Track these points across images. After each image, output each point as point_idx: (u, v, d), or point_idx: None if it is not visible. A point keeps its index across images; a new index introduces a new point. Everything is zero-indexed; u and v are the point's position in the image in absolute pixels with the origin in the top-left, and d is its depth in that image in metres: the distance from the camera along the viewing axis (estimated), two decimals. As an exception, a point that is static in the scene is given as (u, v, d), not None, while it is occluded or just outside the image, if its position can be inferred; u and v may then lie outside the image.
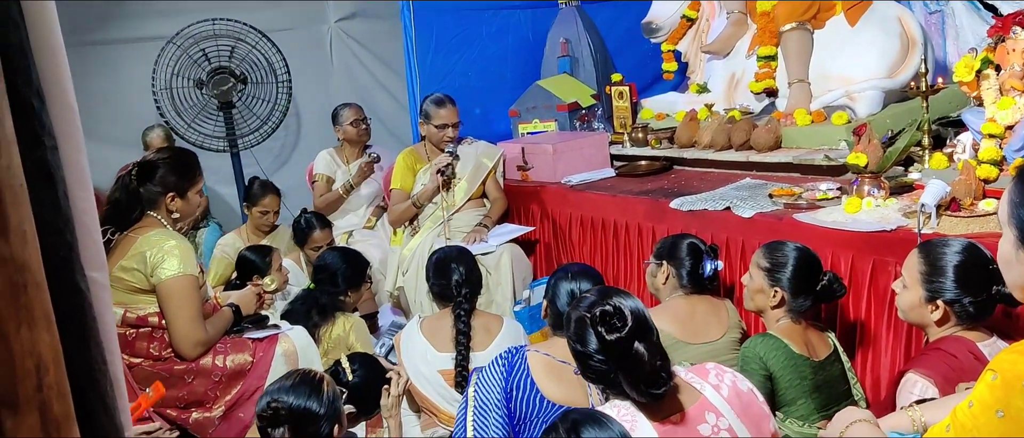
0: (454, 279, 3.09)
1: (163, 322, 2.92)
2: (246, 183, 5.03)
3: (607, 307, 1.82)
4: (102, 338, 0.95)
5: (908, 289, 2.27)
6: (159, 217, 2.98)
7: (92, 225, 0.98)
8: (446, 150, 4.41)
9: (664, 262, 3.08)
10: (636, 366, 1.78)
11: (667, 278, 3.06)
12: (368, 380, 2.75)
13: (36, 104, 0.88)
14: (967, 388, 1.87)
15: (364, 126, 4.98)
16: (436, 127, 4.43)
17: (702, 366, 1.98)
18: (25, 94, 0.87)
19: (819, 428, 2.44)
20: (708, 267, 3.04)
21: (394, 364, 3.46)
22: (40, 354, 0.83)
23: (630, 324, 1.79)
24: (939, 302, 2.19)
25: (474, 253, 3.52)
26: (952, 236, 2.44)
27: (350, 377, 2.72)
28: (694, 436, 1.81)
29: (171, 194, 2.98)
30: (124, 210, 2.96)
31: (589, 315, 1.84)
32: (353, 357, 2.86)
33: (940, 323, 2.21)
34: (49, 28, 0.93)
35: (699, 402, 1.85)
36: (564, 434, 1.66)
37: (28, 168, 0.86)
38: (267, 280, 3.37)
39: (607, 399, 2.36)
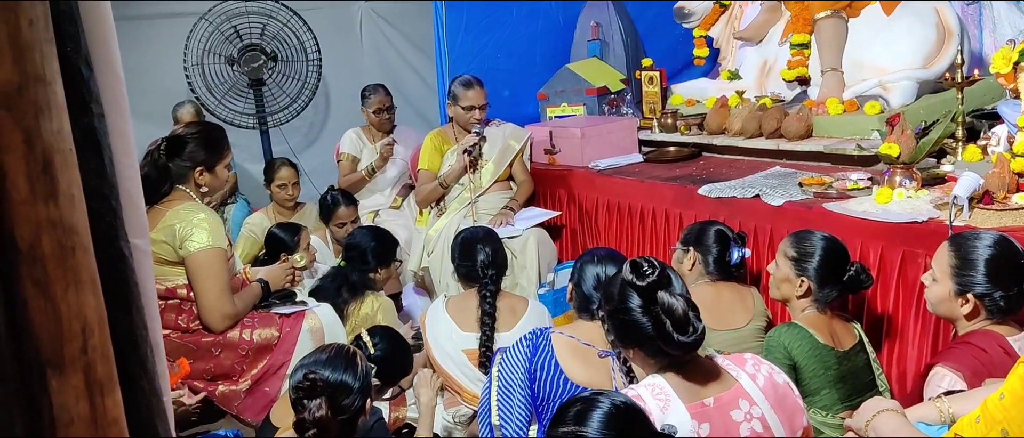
0: (480, 260, 3.10)
1: (191, 294, 2.95)
2: (270, 163, 5.06)
3: (636, 260, 1.88)
4: (143, 303, 0.97)
5: (938, 282, 2.25)
6: (188, 190, 3.01)
7: (135, 193, 1.00)
8: (473, 131, 4.42)
9: (691, 248, 3.07)
10: (669, 312, 1.80)
11: (693, 264, 3.05)
12: (390, 354, 2.78)
13: (85, 72, 0.90)
14: (995, 383, 1.85)
15: (387, 116, 5.00)
16: (463, 109, 4.44)
17: (740, 355, 1.98)
18: (75, 61, 0.89)
19: (843, 418, 2.43)
20: (735, 254, 3.03)
21: (419, 341, 3.50)
22: (86, 317, 0.85)
23: (659, 270, 1.84)
24: (969, 296, 2.17)
25: (500, 236, 3.53)
26: (983, 229, 2.41)
27: (372, 350, 2.75)
28: (725, 420, 1.81)
29: (200, 168, 3.01)
30: (154, 184, 2.99)
31: (622, 275, 1.89)
32: (374, 331, 2.88)
33: (970, 317, 2.19)
34: (98, -3, 0.94)
35: (734, 388, 1.85)
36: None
37: (76, 135, 0.87)
38: (296, 256, 3.40)
39: (632, 380, 2.38)
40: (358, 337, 2.83)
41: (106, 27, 0.94)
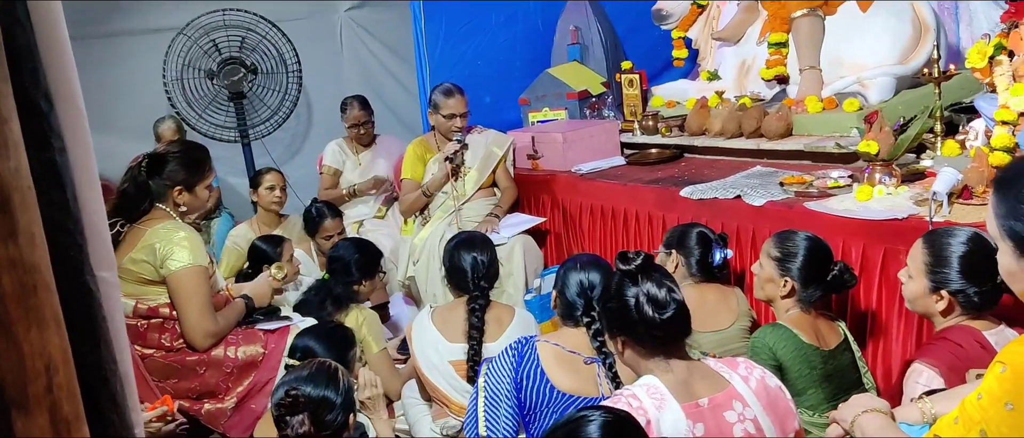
0: (472, 274, 3.07)
1: (174, 313, 2.94)
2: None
3: (623, 251, 2.01)
4: (112, 337, 0.96)
5: (913, 279, 2.27)
6: (167, 209, 2.99)
7: (101, 225, 0.99)
8: (455, 138, 4.41)
9: (673, 251, 3.08)
10: (649, 297, 1.90)
11: (676, 267, 3.06)
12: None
13: (44, 106, 0.89)
14: (978, 375, 1.86)
15: (363, 130, 4.99)
16: (444, 117, 4.43)
17: (733, 359, 2.03)
18: (33, 96, 0.88)
19: (829, 417, 2.44)
20: (717, 256, 3.03)
21: (405, 355, 3.48)
22: (50, 355, 0.84)
23: (642, 258, 1.95)
24: (944, 292, 2.19)
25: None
26: (958, 225, 2.42)
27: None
28: (719, 421, 1.82)
29: (179, 188, 2.99)
30: (133, 202, 2.98)
31: (613, 269, 2.01)
32: (297, 343, 2.87)
33: (945, 313, 2.21)
34: (56, 29, 0.94)
35: (727, 390, 1.88)
36: None
37: (37, 170, 0.86)
38: (274, 268, 3.37)
39: (618, 386, 2.38)
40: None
41: (65, 60, 0.93)
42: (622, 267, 1.94)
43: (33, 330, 0.82)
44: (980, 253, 2.15)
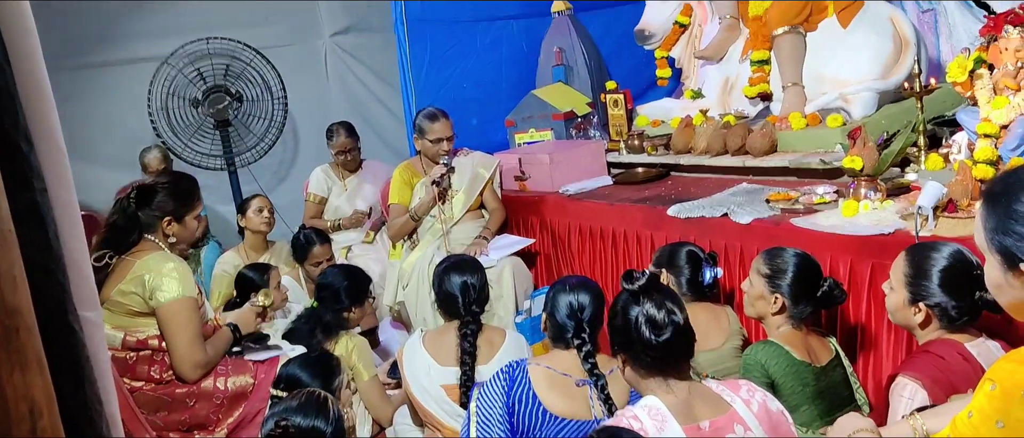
0: (463, 299, 3.06)
1: (163, 345, 2.92)
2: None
3: (630, 270, 2.04)
4: (96, 377, 0.95)
5: (894, 291, 2.29)
6: (156, 240, 2.99)
7: (83, 264, 0.98)
8: (441, 162, 4.41)
9: (663, 270, 3.08)
10: (647, 312, 1.92)
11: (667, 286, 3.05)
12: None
13: (24, 147, 0.89)
14: (961, 398, 1.87)
15: (350, 157, 5.00)
16: (430, 142, 4.43)
17: (734, 381, 2.03)
18: (13, 137, 0.87)
19: (823, 433, 2.44)
20: (707, 274, 3.04)
21: (395, 379, 3.46)
22: (33, 398, 0.83)
23: (646, 278, 1.98)
24: (921, 305, 2.20)
25: (476, 267, 3.50)
26: (945, 239, 2.44)
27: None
28: None
29: (168, 219, 2.98)
30: (122, 233, 2.96)
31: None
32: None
33: (923, 325, 2.23)
34: (36, 69, 0.93)
35: (728, 413, 1.88)
36: None
37: (18, 210, 0.86)
38: (260, 295, 3.34)
39: (610, 408, 2.37)
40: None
41: (45, 99, 0.93)
42: (626, 286, 1.96)
43: (16, 373, 0.81)
44: (960, 268, 2.17)
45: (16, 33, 0.90)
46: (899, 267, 2.27)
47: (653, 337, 1.89)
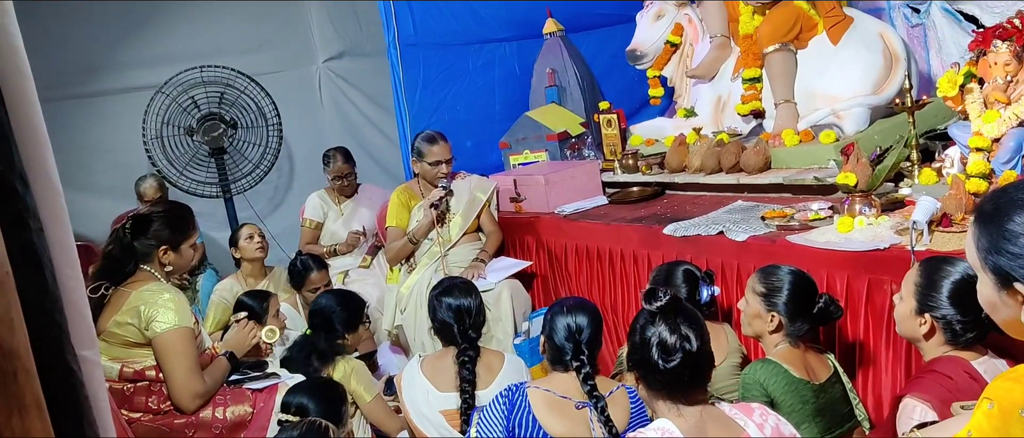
0: (458, 325, 3.04)
1: (161, 375, 2.91)
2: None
3: (653, 288, 1.96)
4: (95, 417, 0.95)
5: (903, 300, 2.28)
6: (152, 270, 2.98)
7: (81, 303, 0.98)
8: (439, 185, 4.42)
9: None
10: (660, 335, 1.88)
11: (664, 306, 3.05)
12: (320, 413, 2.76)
13: (20, 188, 0.89)
14: (963, 408, 1.86)
15: (346, 182, 5.01)
16: (430, 164, 4.44)
17: (747, 404, 2.01)
18: (9, 178, 0.88)
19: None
20: (705, 293, 3.03)
21: (393, 394, 3.45)
22: (32, 441, 0.83)
23: (667, 299, 1.92)
24: (927, 316, 2.20)
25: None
26: (942, 253, 2.44)
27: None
28: None
29: (164, 247, 2.99)
30: (118, 264, 2.96)
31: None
32: (290, 400, 2.86)
33: (927, 337, 2.22)
34: (31, 111, 0.94)
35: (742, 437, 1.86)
36: None
37: (14, 251, 0.86)
38: (265, 332, 3.33)
39: (610, 430, 2.37)
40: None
41: (40, 141, 0.93)
42: (644, 306, 1.93)
43: (15, 417, 0.81)
44: (971, 284, 2.16)
45: (11, 74, 0.91)
46: (911, 277, 2.27)
47: (661, 361, 1.86)
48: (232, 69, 5.62)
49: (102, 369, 1.02)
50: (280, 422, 2.67)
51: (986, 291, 1.39)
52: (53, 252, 0.93)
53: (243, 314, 3.38)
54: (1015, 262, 1.31)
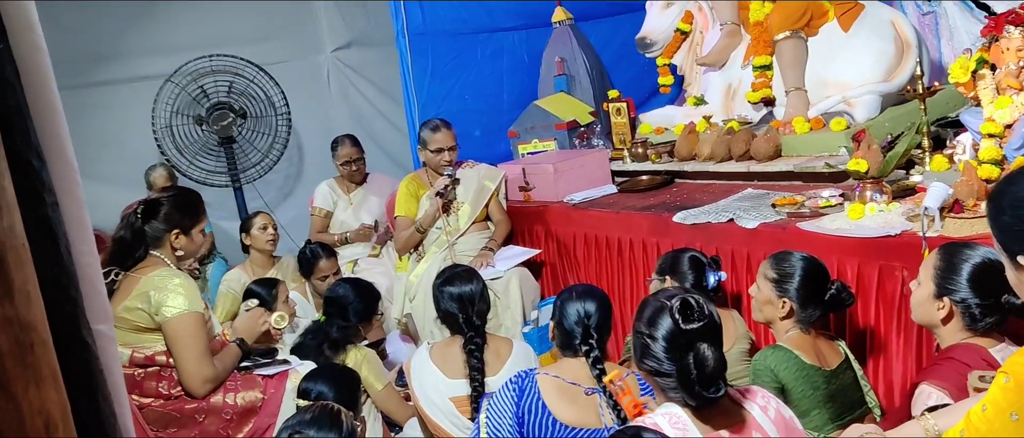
0: (462, 314, 3.05)
1: (171, 361, 2.92)
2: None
3: (689, 299, 1.86)
4: (110, 391, 0.95)
5: (921, 285, 2.28)
6: (163, 256, 2.99)
7: (96, 278, 0.99)
8: (445, 173, 4.42)
9: (667, 277, 3.08)
10: (700, 364, 1.80)
11: (672, 293, 3.05)
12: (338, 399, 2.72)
13: (36, 163, 0.89)
14: (979, 377, 1.87)
15: (355, 167, 4.99)
16: (433, 152, 4.44)
17: (750, 388, 2.01)
18: (25, 155, 0.88)
19: (834, 438, 2.44)
20: (711, 279, 3.04)
21: (405, 386, 3.46)
22: (49, 413, 0.83)
23: (706, 320, 1.83)
24: (946, 299, 2.19)
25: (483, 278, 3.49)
26: (953, 240, 2.43)
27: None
28: None
29: (176, 232, 3.00)
30: (128, 248, 2.98)
31: (669, 303, 1.86)
32: (310, 386, 2.86)
33: (945, 321, 2.21)
34: (46, 86, 0.94)
35: (747, 421, 1.87)
36: None
37: (30, 226, 0.86)
38: (275, 318, 3.34)
39: (620, 415, 2.37)
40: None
41: (56, 117, 0.94)
42: (680, 324, 1.82)
43: (32, 388, 0.81)
44: (990, 268, 2.15)
45: (26, 49, 0.91)
46: (930, 262, 2.27)
47: (706, 393, 1.80)
48: (241, 58, 5.63)
49: (116, 344, 1.03)
50: (298, 408, 2.68)
51: (1009, 273, 1.41)
52: (68, 227, 0.93)
53: (254, 301, 3.40)
54: (1006, 236, 1.33)
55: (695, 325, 1.81)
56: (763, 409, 1.90)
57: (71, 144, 0.95)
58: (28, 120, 0.88)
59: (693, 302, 1.84)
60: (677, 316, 1.82)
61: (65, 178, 0.94)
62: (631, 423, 1.88)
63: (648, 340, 1.88)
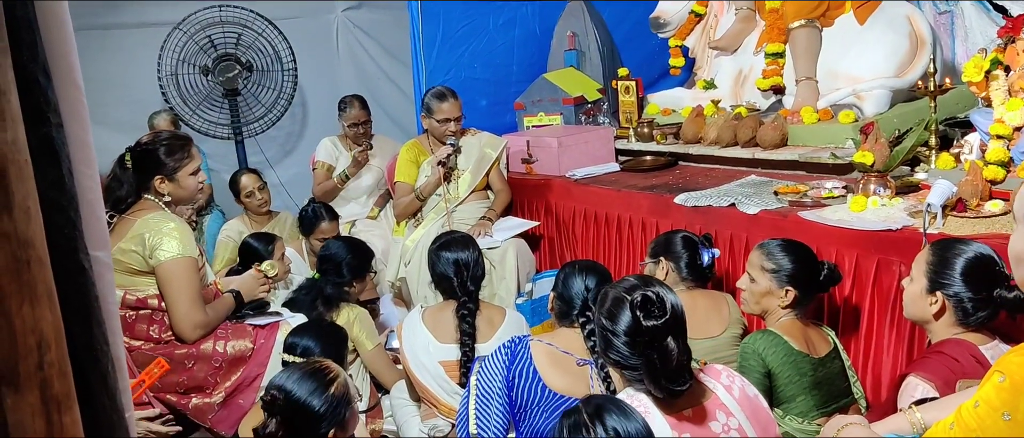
0: (457, 278, 3.04)
1: (163, 304, 2.91)
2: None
3: (650, 294, 1.82)
4: (104, 317, 0.94)
5: (913, 281, 2.28)
6: (155, 199, 2.97)
7: (96, 204, 0.97)
8: (448, 142, 4.39)
9: (661, 259, 3.08)
10: (664, 359, 1.78)
11: (667, 274, 3.06)
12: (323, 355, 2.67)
13: (42, 80, 0.88)
14: (968, 386, 1.87)
15: (362, 130, 4.94)
16: (438, 121, 4.41)
17: (714, 367, 2.01)
18: (32, 70, 0.86)
19: (819, 425, 2.44)
20: (705, 257, 3.05)
21: (395, 351, 3.47)
22: (42, 332, 0.82)
23: (668, 316, 1.80)
24: (938, 294, 2.19)
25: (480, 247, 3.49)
26: (954, 237, 2.43)
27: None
28: (706, 433, 1.81)
29: (160, 177, 2.96)
30: (118, 192, 2.95)
31: (630, 297, 1.83)
32: (296, 341, 2.84)
33: (937, 316, 2.22)
34: (57, 3, 0.92)
35: (711, 400, 1.87)
36: (587, 418, 1.65)
37: (33, 145, 0.85)
38: (266, 265, 3.33)
39: (610, 388, 2.37)
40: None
41: (65, 35, 0.92)
42: (643, 322, 1.80)
43: (26, 305, 0.81)
44: (983, 262, 2.17)
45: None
46: (922, 258, 2.27)
47: (671, 386, 1.80)
48: (251, 11, 5.59)
49: (113, 272, 1.02)
50: (284, 363, 2.66)
51: (1018, 243, 1.39)
52: (71, 149, 0.92)
53: (266, 263, 3.37)
54: None
55: (657, 322, 1.79)
56: (727, 388, 1.91)
57: (79, 65, 0.94)
58: (37, 35, 0.86)
59: (654, 296, 1.81)
60: (638, 313, 1.80)
61: (71, 99, 0.92)
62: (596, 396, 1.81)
63: (610, 335, 1.87)
